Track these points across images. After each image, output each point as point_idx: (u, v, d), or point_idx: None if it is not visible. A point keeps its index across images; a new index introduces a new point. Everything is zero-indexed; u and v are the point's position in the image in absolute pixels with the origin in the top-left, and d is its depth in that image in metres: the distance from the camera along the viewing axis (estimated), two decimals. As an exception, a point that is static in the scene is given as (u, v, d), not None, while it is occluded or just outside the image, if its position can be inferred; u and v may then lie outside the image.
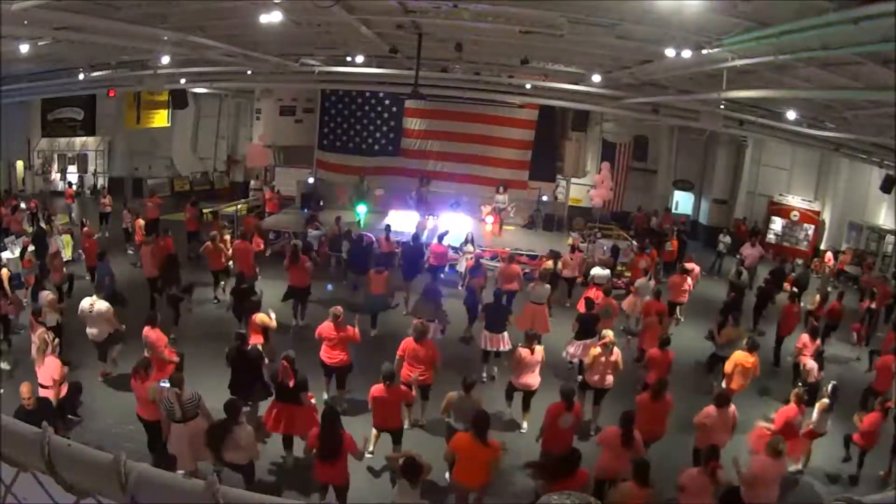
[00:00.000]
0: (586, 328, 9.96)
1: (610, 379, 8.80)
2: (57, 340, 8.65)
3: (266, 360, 8.35)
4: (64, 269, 12.16)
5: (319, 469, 6.39)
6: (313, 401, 7.49)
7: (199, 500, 0.92)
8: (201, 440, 6.69)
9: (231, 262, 12.89)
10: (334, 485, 6.45)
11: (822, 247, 19.24)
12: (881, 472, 8.33)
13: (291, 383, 7.32)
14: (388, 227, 14.96)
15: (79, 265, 13.79)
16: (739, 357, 8.93)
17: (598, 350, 8.73)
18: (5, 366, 9.12)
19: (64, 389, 7.78)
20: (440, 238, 14.21)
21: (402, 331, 11.22)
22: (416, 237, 13.84)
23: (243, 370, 8.00)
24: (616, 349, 8.81)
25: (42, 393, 7.61)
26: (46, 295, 9.83)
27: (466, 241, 14.82)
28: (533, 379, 8.48)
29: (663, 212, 21.39)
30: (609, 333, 8.91)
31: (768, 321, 13.10)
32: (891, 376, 9.52)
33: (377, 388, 7.28)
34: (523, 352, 8.46)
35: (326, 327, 8.56)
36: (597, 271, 12.86)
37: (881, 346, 10.99)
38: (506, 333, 9.94)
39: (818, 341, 10.22)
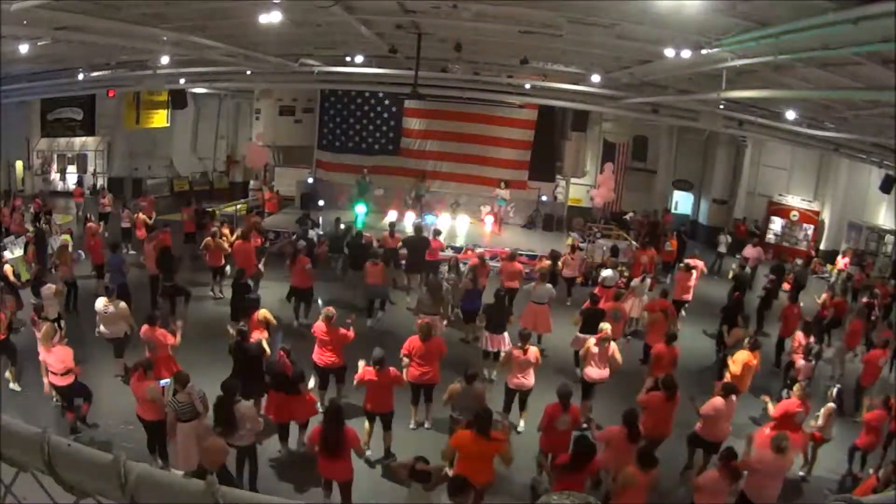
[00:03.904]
0: (590, 323, 9.92)
1: (605, 373, 8.83)
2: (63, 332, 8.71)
3: (267, 354, 8.38)
4: (72, 265, 12.17)
5: (323, 464, 6.41)
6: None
7: (199, 500, 0.92)
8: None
9: (229, 260, 12.95)
10: (338, 480, 6.48)
11: (823, 247, 19.26)
12: (871, 470, 8.32)
13: (289, 373, 7.41)
14: (391, 225, 15.05)
15: (78, 265, 13.79)
16: (745, 357, 8.90)
17: (593, 342, 8.75)
18: (15, 386, 8.98)
19: (71, 378, 7.80)
20: (435, 234, 14.34)
21: (400, 327, 11.29)
22: (418, 229, 13.90)
23: (244, 365, 8.04)
24: (612, 344, 8.82)
25: (54, 380, 7.68)
26: (49, 287, 9.86)
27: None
28: (526, 379, 8.45)
29: (663, 212, 21.41)
30: (606, 327, 8.92)
31: (771, 321, 13.12)
32: (877, 371, 9.58)
33: (368, 372, 7.39)
34: (516, 352, 8.47)
35: (319, 328, 8.58)
36: (606, 273, 12.86)
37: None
38: (506, 334, 9.93)
39: (811, 337, 10.23)
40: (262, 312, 9.22)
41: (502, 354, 9.86)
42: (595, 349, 8.73)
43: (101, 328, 9.32)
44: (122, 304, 9.37)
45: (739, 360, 8.90)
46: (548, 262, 13.44)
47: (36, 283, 10.38)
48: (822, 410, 7.97)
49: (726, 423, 7.67)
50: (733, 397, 7.65)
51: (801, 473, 8.10)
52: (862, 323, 11.45)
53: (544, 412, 7.18)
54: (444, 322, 10.87)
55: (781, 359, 11.54)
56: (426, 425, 8.68)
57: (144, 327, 8.47)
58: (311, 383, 7.78)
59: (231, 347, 8.22)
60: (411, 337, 8.41)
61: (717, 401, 7.54)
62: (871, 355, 9.86)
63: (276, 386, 7.61)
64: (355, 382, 7.66)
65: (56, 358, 7.66)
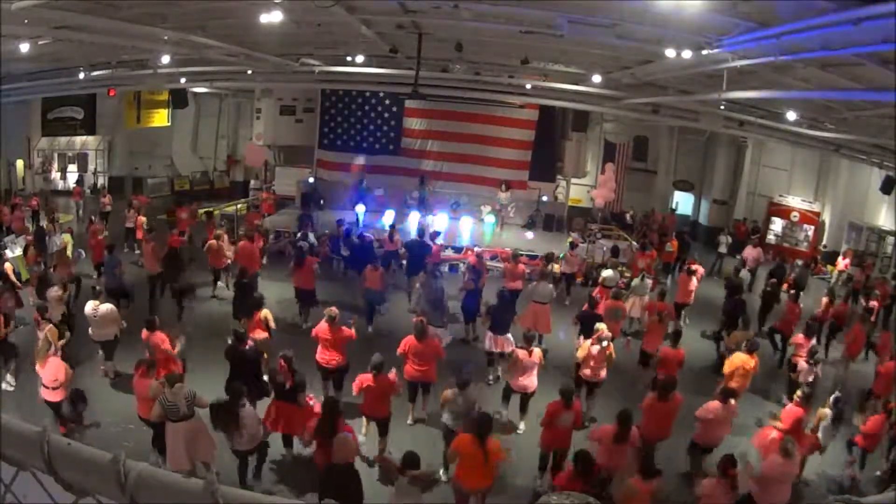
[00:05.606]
0: (587, 326, 9.91)
1: (603, 373, 8.85)
2: (65, 338, 8.66)
3: (265, 357, 8.34)
4: (71, 266, 12.13)
5: (321, 456, 6.40)
6: (312, 402, 7.39)
7: (199, 500, 0.92)
8: (198, 439, 6.71)
9: (231, 261, 12.95)
10: None
11: (824, 247, 19.23)
12: (878, 473, 8.31)
13: (289, 384, 7.29)
14: (392, 226, 15.04)
15: (79, 264, 13.81)
16: (740, 359, 8.90)
17: (589, 343, 8.76)
18: (7, 386, 8.98)
19: (62, 394, 7.74)
20: (433, 237, 14.31)
21: (398, 329, 11.26)
22: (420, 233, 13.92)
23: (241, 369, 7.98)
24: (609, 343, 8.82)
25: (45, 394, 7.62)
26: (54, 290, 9.86)
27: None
28: (530, 381, 8.44)
29: (661, 212, 21.41)
30: (602, 327, 8.92)
31: (771, 323, 13.08)
32: (891, 381, 9.49)
33: (365, 378, 7.38)
34: (520, 353, 8.43)
35: (322, 328, 8.54)
36: (607, 273, 12.86)
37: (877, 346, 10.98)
38: (510, 335, 9.91)
39: (813, 340, 10.19)
40: (265, 312, 9.23)
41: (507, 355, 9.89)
42: (595, 350, 8.73)
43: (90, 331, 9.29)
44: (111, 307, 9.26)
45: (734, 361, 8.88)
46: (546, 266, 13.44)
47: (41, 284, 10.37)
48: (816, 415, 7.94)
49: (722, 427, 7.63)
50: (732, 402, 7.63)
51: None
52: (863, 332, 11.39)
53: (547, 409, 7.20)
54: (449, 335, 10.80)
55: (776, 342, 11.56)
56: (423, 418, 8.68)
57: (144, 332, 8.43)
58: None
59: (227, 351, 8.18)
60: (407, 337, 8.42)
61: (714, 403, 7.53)
62: (886, 367, 9.69)
63: (276, 395, 7.50)
64: (355, 392, 7.60)
65: (48, 372, 7.56)
